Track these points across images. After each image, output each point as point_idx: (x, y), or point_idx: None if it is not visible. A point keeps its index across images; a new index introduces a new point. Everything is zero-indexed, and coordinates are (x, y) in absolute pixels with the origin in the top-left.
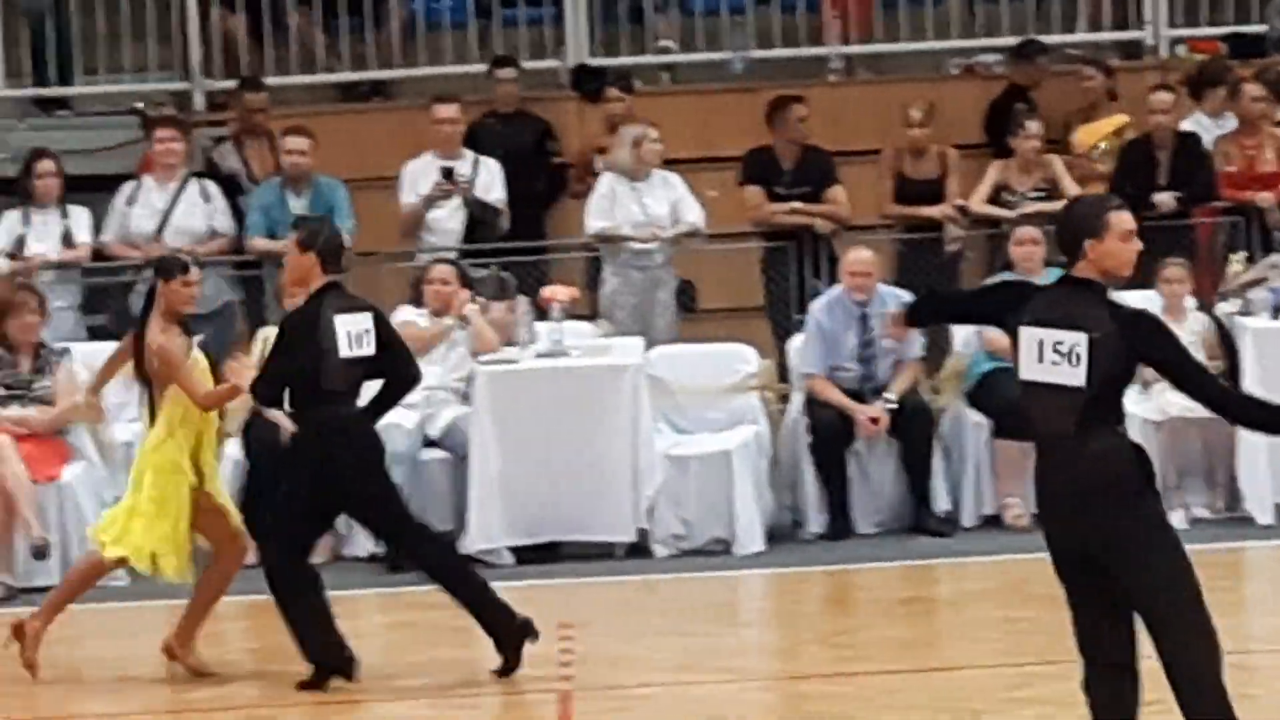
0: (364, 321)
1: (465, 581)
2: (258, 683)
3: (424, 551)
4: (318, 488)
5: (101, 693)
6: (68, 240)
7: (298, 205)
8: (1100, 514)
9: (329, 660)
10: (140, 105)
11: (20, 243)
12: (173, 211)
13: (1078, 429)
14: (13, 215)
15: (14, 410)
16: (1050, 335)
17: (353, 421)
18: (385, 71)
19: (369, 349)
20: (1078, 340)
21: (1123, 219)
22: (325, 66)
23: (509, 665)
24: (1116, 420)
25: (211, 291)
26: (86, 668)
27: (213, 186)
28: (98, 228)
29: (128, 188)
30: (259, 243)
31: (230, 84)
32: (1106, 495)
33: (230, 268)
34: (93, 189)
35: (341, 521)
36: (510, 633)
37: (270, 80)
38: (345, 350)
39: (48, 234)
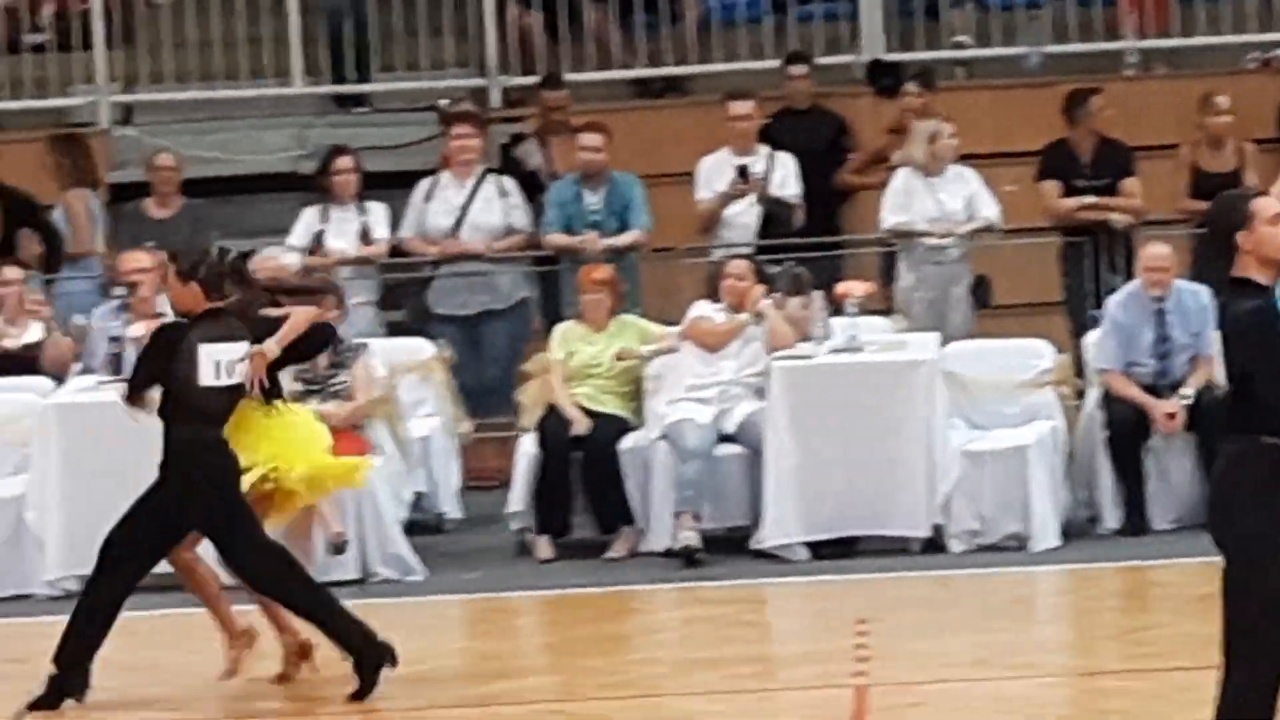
0: (237, 351)
1: (313, 599)
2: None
3: (262, 571)
4: (167, 502)
5: None
6: (365, 236)
7: (593, 201)
8: None
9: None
10: (438, 102)
11: (319, 239)
12: (469, 207)
13: None
14: (311, 212)
15: (312, 405)
16: None
17: (207, 444)
18: (680, 68)
19: (238, 379)
20: None
21: (1266, 204)
22: (621, 63)
23: (364, 688)
24: None
25: (508, 288)
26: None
27: (509, 182)
28: (395, 224)
29: (425, 184)
30: (556, 239)
31: (526, 80)
32: None
33: (527, 264)
34: (390, 185)
35: (641, 516)
36: (369, 654)
37: (566, 77)
38: (209, 378)
39: (346, 230)
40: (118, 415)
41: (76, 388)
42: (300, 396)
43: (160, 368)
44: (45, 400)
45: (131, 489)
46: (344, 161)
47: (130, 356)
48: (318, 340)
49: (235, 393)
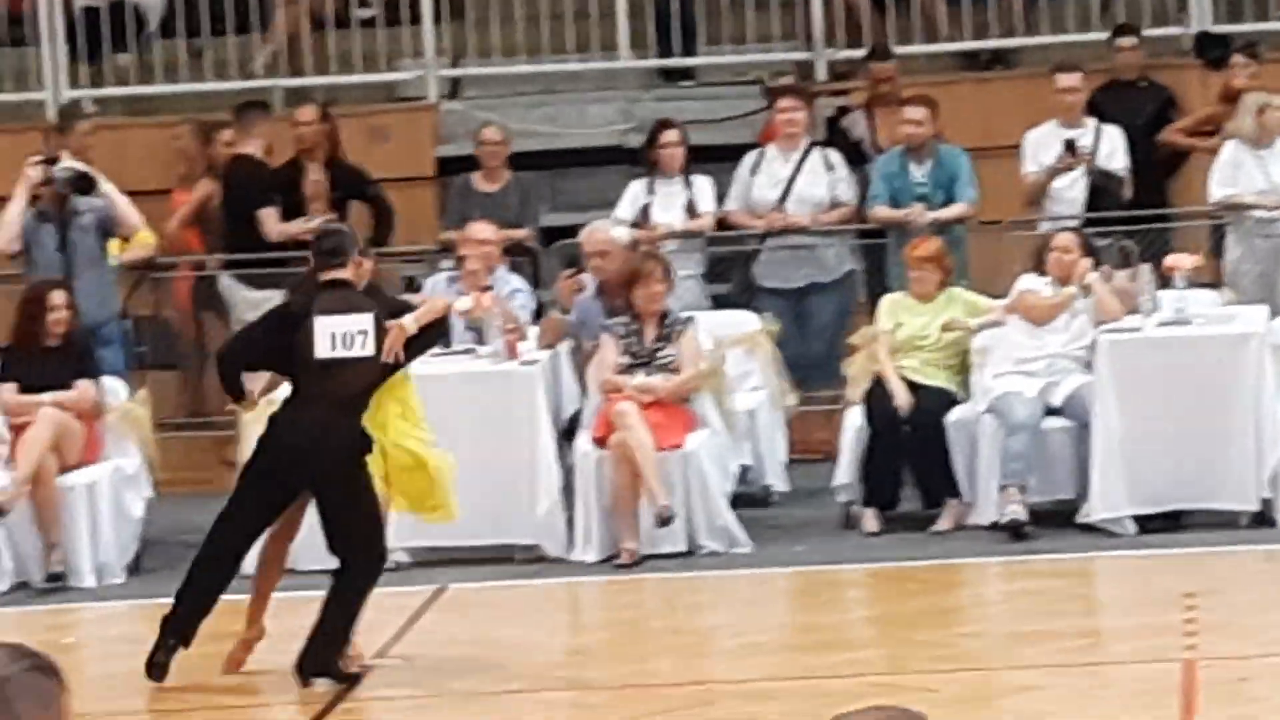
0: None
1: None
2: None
3: None
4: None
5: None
6: (691, 209)
7: (919, 174)
8: None
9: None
10: (763, 75)
11: (645, 212)
12: (795, 181)
13: None
14: (638, 185)
15: (639, 378)
16: None
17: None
18: (1007, 40)
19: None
20: None
21: None
22: (947, 35)
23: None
24: None
25: (833, 261)
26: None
27: (835, 155)
28: (721, 197)
29: (751, 157)
30: (881, 212)
31: (853, 53)
32: None
33: (852, 237)
34: (716, 159)
35: (967, 489)
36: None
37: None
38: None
39: (672, 203)
40: (448, 388)
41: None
42: (627, 370)
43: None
44: None
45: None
46: (670, 135)
47: (458, 329)
48: (437, 334)
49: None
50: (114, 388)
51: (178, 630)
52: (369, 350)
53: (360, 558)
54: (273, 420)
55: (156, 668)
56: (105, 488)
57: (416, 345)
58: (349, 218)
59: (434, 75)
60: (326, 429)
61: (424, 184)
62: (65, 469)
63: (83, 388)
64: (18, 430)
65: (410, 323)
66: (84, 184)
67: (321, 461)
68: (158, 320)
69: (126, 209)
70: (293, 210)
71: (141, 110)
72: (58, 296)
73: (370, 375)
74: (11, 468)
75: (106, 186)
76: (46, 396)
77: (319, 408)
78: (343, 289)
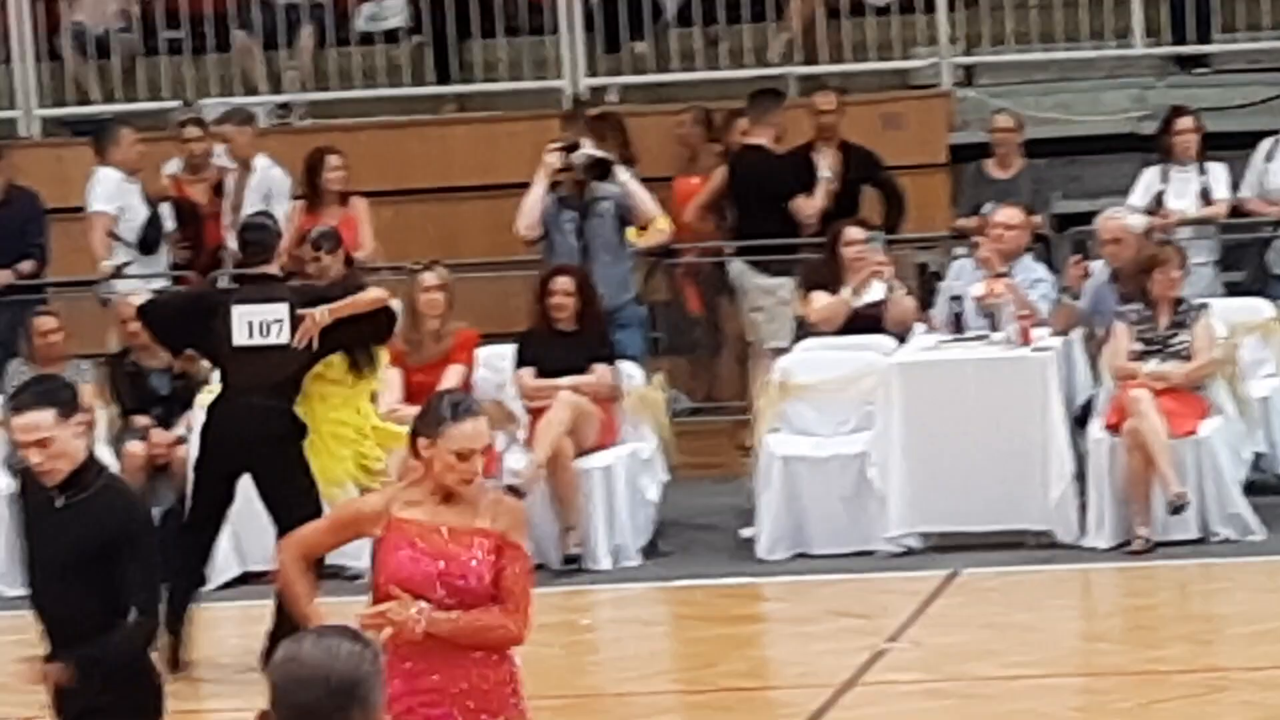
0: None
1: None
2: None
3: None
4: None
5: None
6: (1205, 197)
7: None
8: None
9: None
10: None
11: (1159, 199)
12: None
13: None
14: (1151, 172)
15: (1152, 365)
16: None
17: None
18: None
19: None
20: None
21: None
22: None
23: None
24: None
25: None
26: None
27: None
28: (1235, 184)
29: (1266, 144)
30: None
31: None
32: None
33: None
34: (1231, 146)
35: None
36: None
37: None
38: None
39: (1186, 190)
40: (960, 373)
41: (919, 346)
42: (1140, 356)
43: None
44: (888, 359)
45: (971, 447)
46: (1184, 122)
47: (969, 315)
48: (381, 326)
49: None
50: (630, 372)
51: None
52: (284, 338)
53: None
54: (209, 409)
55: None
56: (621, 471)
57: (354, 335)
58: (860, 204)
59: (947, 63)
60: (254, 415)
61: (937, 171)
62: (582, 452)
63: (600, 372)
64: (536, 414)
65: (322, 312)
66: (601, 170)
67: (254, 447)
68: (672, 306)
69: (643, 195)
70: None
71: (658, 98)
72: (562, 282)
73: (290, 363)
74: (529, 451)
75: (624, 173)
76: (564, 380)
77: (247, 395)
78: (263, 281)
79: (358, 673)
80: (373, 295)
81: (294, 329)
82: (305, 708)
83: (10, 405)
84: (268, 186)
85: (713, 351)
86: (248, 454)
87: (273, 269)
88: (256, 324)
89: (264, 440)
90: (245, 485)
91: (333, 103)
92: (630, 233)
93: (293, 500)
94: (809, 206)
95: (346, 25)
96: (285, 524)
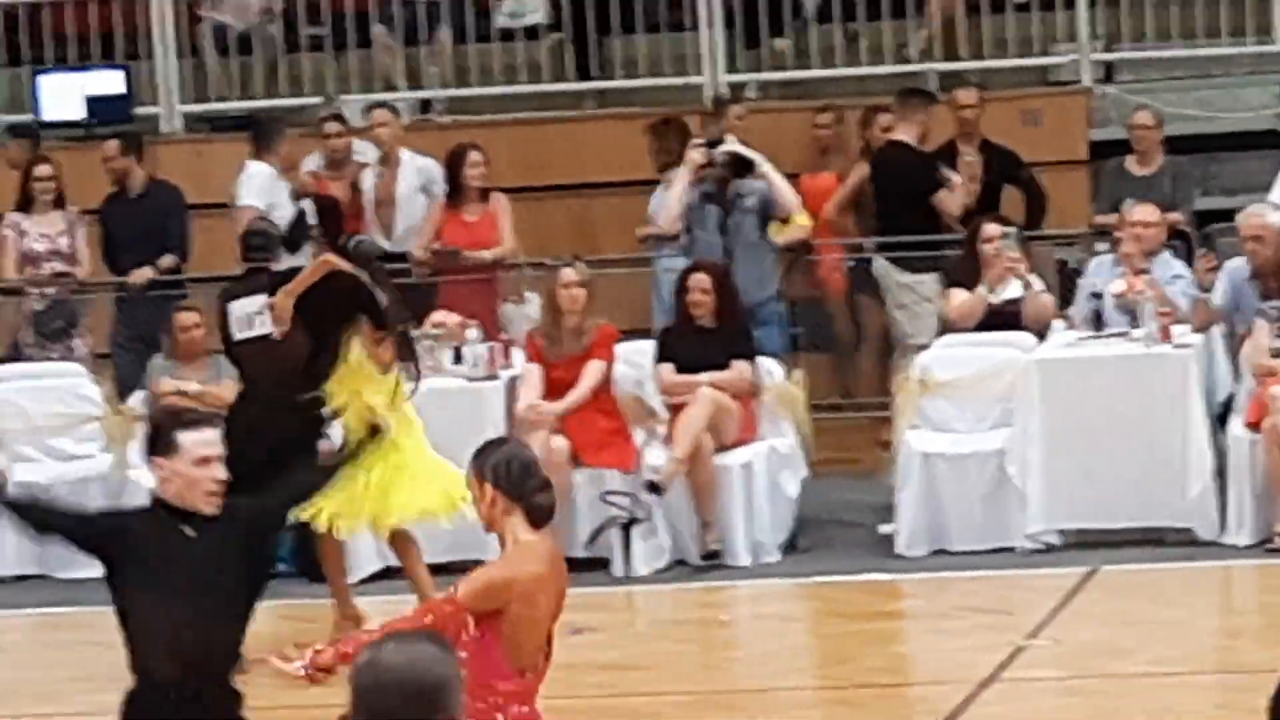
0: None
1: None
2: None
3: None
4: None
5: None
6: None
7: None
8: None
9: None
10: None
11: None
12: None
13: None
14: None
15: None
16: None
17: None
18: None
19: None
20: None
21: None
22: None
23: None
24: None
25: None
26: None
27: None
28: None
29: None
30: None
31: None
32: None
33: None
34: None
35: None
36: None
37: None
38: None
39: None
40: (1100, 370)
41: (1059, 343)
42: None
43: None
44: (1028, 355)
45: (1110, 444)
46: None
47: (1108, 312)
48: (359, 297)
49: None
50: (770, 368)
51: None
52: (268, 328)
53: None
54: (230, 408)
55: None
56: (761, 467)
57: (331, 312)
58: (1001, 201)
59: (1087, 59)
60: (264, 407)
61: (1076, 168)
62: (722, 448)
63: (739, 368)
64: (675, 409)
65: (282, 294)
66: (742, 166)
67: (266, 438)
68: (813, 302)
69: (784, 191)
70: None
71: (798, 94)
72: (699, 279)
73: (288, 353)
74: (668, 447)
75: (766, 168)
76: (704, 376)
77: (255, 387)
78: (251, 275)
79: (438, 678)
80: (316, 266)
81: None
82: (386, 713)
83: (184, 423)
84: (423, 178)
85: (853, 348)
86: (259, 445)
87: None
88: (245, 317)
89: (275, 431)
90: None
91: (472, 99)
92: (771, 228)
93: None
94: (951, 203)
95: (486, 22)
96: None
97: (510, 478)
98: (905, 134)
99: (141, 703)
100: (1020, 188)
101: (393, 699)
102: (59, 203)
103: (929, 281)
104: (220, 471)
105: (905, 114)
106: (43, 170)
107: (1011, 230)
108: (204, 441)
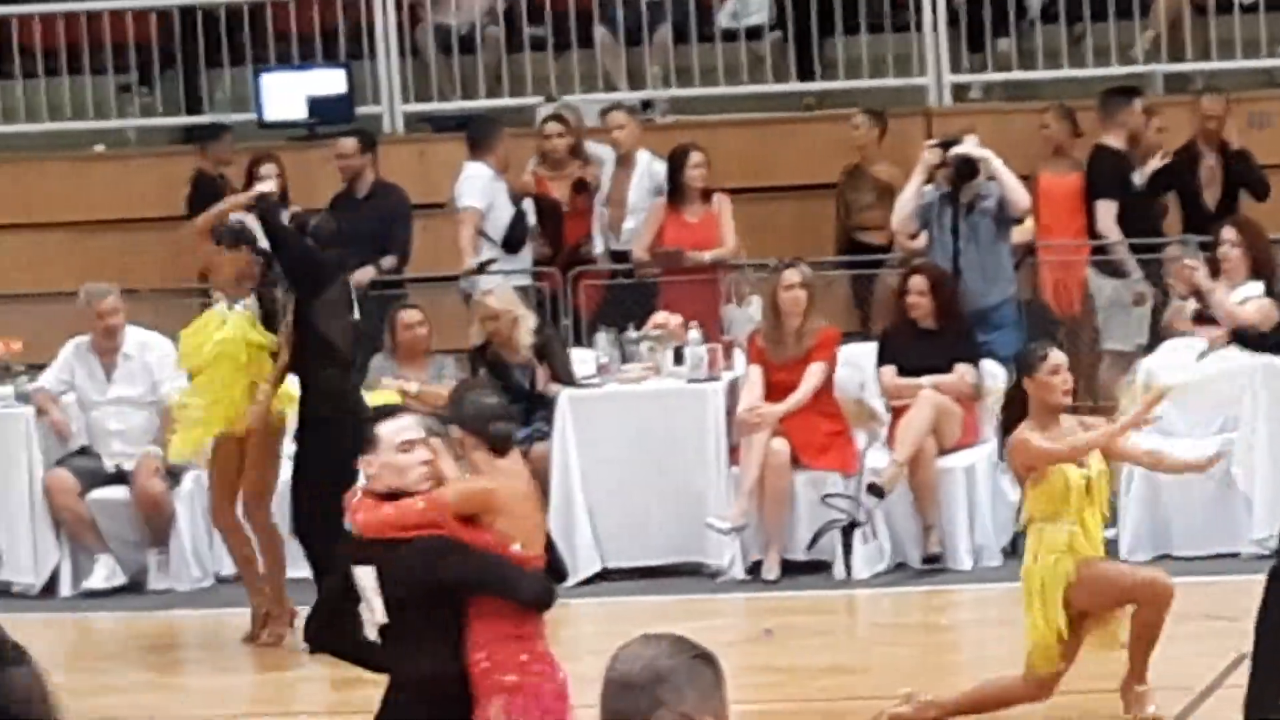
0: None
1: None
2: None
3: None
4: None
5: None
6: None
7: None
8: None
9: None
10: None
11: None
12: None
13: None
14: None
15: None
16: None
17: None
18: None
19: None
20: None
21: None
22: None
23: None
24: None
25: None
26: None
27: None
28: None
29: None
30: None
31: None
32: None
33: None
34: None
35: None
36: None
37: None
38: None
39: None
40: None
41: None
42: None
43: None
44: (1253, 360)
45: None
46: None
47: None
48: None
49: None
50: (994, 371)
51: None
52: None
53: None
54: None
55: None
56: (983, 470)
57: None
58: (1239, 205)
59: None
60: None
61: None
62: (944, 451)
63: (961, 371)
64: (897, 412)
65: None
66: (970, 169)
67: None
68: (1034, 305)
69: (1016, 191)
70: (1189, 199)
71: (1022, 95)
72: (916, 281)
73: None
74: (890, 450)
75: (999, 169)
76: (926, 379)
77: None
78: None
79: (659, 671)
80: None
81: (271, 318)
82: (617, 714)
83: (380, 417)
84: (657, 180)
85: (1074, 351)
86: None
87: None
88: None
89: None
90: (602, 479)
91: (694, 99)
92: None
93: (300, 491)
94: (1108, 220)
95: (708, 22)
96: (294, 515)
97: (469, 416)
98: (1112, 137)
99: None
100: (1251, 191)
101: (619, 701)
102: (283, 201)
103: (1120, 287)
104: (425, 453)
105: (1108, 116)
106: (267, 169)
107: (1191, 239)
108: (402, 428)
